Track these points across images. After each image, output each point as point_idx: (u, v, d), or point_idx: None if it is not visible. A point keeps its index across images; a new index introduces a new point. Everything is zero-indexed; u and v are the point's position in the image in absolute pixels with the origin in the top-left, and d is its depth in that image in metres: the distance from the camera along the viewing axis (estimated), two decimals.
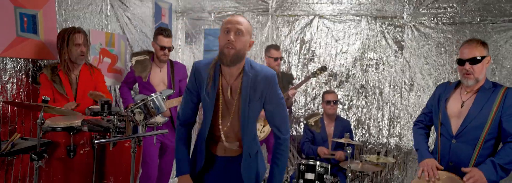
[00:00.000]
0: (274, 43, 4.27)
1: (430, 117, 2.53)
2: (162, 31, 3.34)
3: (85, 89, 2.83)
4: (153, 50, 3.43)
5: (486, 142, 2.21)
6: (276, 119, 2.03)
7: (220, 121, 2.01)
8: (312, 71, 3.98)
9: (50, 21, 2.94)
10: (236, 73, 1.94)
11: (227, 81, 1.96)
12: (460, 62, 2.25)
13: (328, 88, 4.34)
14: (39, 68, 2.85)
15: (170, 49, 3.37)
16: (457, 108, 2.32)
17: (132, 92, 3.58)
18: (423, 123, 2.58)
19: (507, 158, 2.12)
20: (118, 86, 3.74)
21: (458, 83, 2.44)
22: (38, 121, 2.03)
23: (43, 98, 2.09)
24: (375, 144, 4.24)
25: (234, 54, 1.84)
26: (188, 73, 4.12)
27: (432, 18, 4.09)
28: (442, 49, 4.08)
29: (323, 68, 3.89)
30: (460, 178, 2.18)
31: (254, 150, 2.09)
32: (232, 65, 1.88)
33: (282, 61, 3.92)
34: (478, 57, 2.18)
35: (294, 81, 4.35)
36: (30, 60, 2.80)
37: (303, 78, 4.03)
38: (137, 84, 3.51)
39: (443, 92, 2.45)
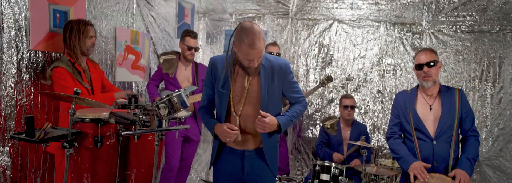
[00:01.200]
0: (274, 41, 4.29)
1: (400, 126, 2.71)
2: (189, 33, 3.59)
3: (96, 81, 2.89)
4: (180, 50, 3.65)
5: (456, 138, 2.54)
6: (298, 100, 2.33)
7: (236, 110, 2.20)
8: (320, 80, 4.06)
9: (80, 18, 3.06)
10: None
11: (244, 73, 2.18)
12: (419, 67, 2.56)
13: (345, 92, 4.38)
14: (51, 62, 2.84)
15: (196, 49, 3.62)
16: (427, 112, 2.59)
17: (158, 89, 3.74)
18: (397, 134, 2.73)
19: (475, 151, 2.50)
20: (142, 83, 3.87)
21: (416, 90, 2.70)
22: (69, 111, 2.12)
23: (74, 90, 2.18)
24: None
25: (257, 66, 2.13)
26: None
27: (451, 26, 4.12)
28: (460, 57, 4.10)
29: (329, 78, 3.98)
30: (448, 176, 2.43)
31: (275, 140, 2.28)
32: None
33: (278, 55, 3.95)
34: (433, 62, 2.53)
35: (310, 85, 4.41)
36: (60, 54, 2.91)
37: (316, 85, 4.10)
38: (163, 82, 3.69)
39: (406, 100, 2.68)
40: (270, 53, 3.87)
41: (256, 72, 2.17)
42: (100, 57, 3.33)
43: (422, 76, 2.56)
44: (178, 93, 2.26)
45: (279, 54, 3.93)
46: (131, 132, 2.21)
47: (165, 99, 2.22)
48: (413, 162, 2.49)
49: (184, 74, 3.63)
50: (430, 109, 2.59)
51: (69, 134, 2.11)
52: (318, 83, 4.02)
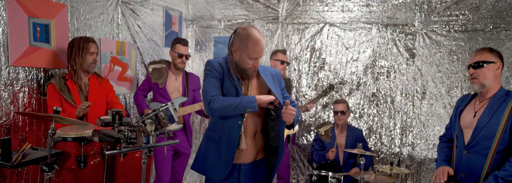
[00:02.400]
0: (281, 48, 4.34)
1: (452, 130, 2.52)
2: (180, 40, 3.48)
3: (96, 97, 2.84)
4: (170, 59, 3.53)
5: (499, 153, 2.14)
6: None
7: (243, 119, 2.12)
8: (322, 88, 4.00)
9: (63, 31, 2.96)
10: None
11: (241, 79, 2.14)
12: (468, 67, 2.32)
13: (338, 97, 4.29)
14: (50, 78, 2.86)
15: (187, 57, 3.49)
16: (469, 118, 2.30)
17: (146, 100, 3.62)
18: (447, 137, 2.57)
19: (510, 170, 2.05)
20: (129, 94, 3.76)
21: (475, 94, 2.41)
22: (49, 131, 2.02)
23: (54, 108, 2.08)
24: (387, 153, 4.17)
25: (255, 71, 2.13)
26: (201, 84, 4.13)
27: (444, 26, 4.04)
28: (455, 57, 4.02)
29: (331, 87, 3.93)
30: None
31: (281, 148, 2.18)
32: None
33: (287, 66, 3.93)
34: (481, 62, 2.22)
35: (303, 90, 4.32)
36: (41, 69, 2.81)
37: (316, 94, 4.04)
38: (151, 92, 3.56)
39: (460, 104, 2.45)
40: (277, 60, 3.84)
41: (253, 76, 2.15)
42: None
43: (469, 79, 2.29)
44: (165, 107, 2.17)
45: (288, 63, 3.90)
46: (115, 151, 2.11)
47: (151, 114, 2.13)
48: (441, 165, 2.37)
49: (174, 84, 3.49)
50: (474, 115, 2.29)
51: (48, 156, 2.01)
52: (321, 92, 3.96)
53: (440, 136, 2.63)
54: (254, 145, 2.16)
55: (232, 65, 2.09)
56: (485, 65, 2.21)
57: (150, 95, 3.65)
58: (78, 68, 2.77)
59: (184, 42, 3.47)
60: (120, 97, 3.68)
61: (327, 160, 3.63)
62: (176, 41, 3.48)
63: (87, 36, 2.87)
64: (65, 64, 2.92)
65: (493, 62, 2.23)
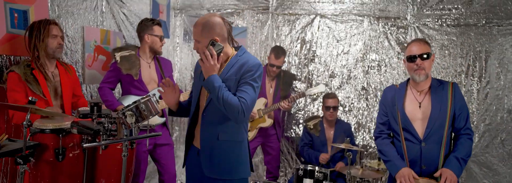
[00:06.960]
0: (279, 46, 4.08)
1: (389, 125, 2.51)
2: (154, 21, 3.10)
3: (68, 88, 2.64)
4: (148, 43, 3.11)
5: (447, 138, 2.33)
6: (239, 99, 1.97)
7: (200, 106, 2.12)
8: (310, 92, 3.79)
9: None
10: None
11: None
12: (411, 59, 2.34)
13: (328, 90, 4.23)
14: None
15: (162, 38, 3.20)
16: (416, 110, 2.38)
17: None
18: (385, 133, 2.53)
19: (466, 151, 2.28)
20: None
21: (406, 85, 2.48)
22: (24, 123, 1.93)
23: (30, 99, 1.99)
24: (375, 148, 4.14)
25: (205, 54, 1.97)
26: (174, 69, 3.97)
27: (436, 20, 4.00)
28: (446, 51, 3.99)
29: (301, 95, 3.76)
30: (436, 180, 2.25)
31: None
32: None
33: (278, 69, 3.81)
34: (426, 54, 2.31)
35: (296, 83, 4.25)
36: (20, 58, 2.69)
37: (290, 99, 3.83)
38: (119, 85, 3.19)
39: (394, 96, 2.45)
40: (272, 65, 3.75)
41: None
42: (66, 59, 3.10)
43: (414, 70, 2.33)
44: (147, 98, 2.10)
45: (279, 67, 3.78)
46: (94, 143, 2.04)
47: (132, 106, 2.06)
48: (402, 167, 2.31)
49: (149, 74, 3.11)
50: (419, 106, 2.37)
51: (23, 148, 1.92)
52: (292, 97, 3.75)
53: (377, 134, 2.56)
54: None
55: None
56: (429, 57, 2.32)
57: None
58: (42, 54, 2.51)
59: (160, 23, 3.16)
60: None
61: (318, 163, 3.58)
62: (152, 23, 3.07)
63: (48, 18, 2.62)
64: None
65: (432, 53, 2.37)
